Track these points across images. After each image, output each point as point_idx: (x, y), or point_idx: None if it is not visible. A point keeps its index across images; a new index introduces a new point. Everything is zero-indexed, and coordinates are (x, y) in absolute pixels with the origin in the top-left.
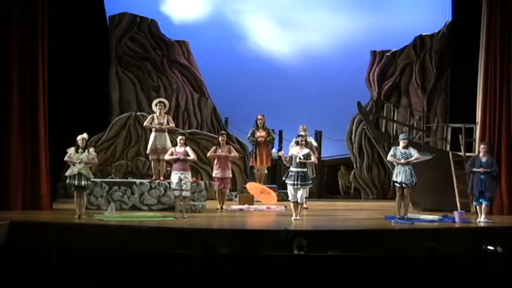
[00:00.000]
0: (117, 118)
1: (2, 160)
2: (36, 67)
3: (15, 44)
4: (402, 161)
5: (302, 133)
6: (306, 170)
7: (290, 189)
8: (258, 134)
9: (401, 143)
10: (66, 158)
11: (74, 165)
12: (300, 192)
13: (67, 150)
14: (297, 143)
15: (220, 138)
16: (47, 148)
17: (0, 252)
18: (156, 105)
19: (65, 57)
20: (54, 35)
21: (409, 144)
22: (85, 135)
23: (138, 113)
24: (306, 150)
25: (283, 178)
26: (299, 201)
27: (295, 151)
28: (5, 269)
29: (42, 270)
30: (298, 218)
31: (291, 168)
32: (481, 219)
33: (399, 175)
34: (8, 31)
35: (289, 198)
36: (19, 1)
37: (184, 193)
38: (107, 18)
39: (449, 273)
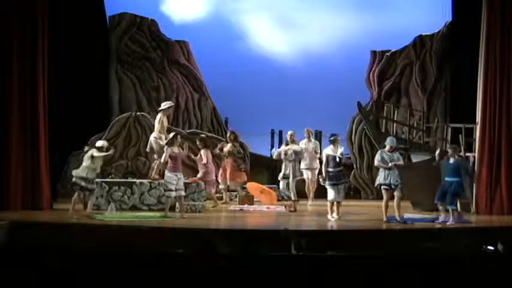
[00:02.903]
0: (117, 118)
1: (2, 160)
2: (36, 67)
3: (16, 43)
4: (390, 164)
5: (305, 135)
6: (342, 168)
7: (331, 190)
8: (224, 148)
9: (388, 147)
10: (99, 154)
11: (93, 162)
12: (341, 191)
13: (88, 148)
14: (331, 142)
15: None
16: (47, 148)
17: (0, 252)
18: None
19: (65, 57)
20: (54, 34)
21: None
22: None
23: (138, 113)
24: (341, 149)
25: (323, 182)
26: (341, 199)
27: (331, 151)
28: (5, 269)
29: (42, 270)
30: (338, 217)
31: (329, 169)
32: (442, 219)
33: (387, 178)
34: (8, 31)
35: (329, 199)
36: (19, 1)
37: (181, 192)
38: (107, 18)
39: (449, 273)
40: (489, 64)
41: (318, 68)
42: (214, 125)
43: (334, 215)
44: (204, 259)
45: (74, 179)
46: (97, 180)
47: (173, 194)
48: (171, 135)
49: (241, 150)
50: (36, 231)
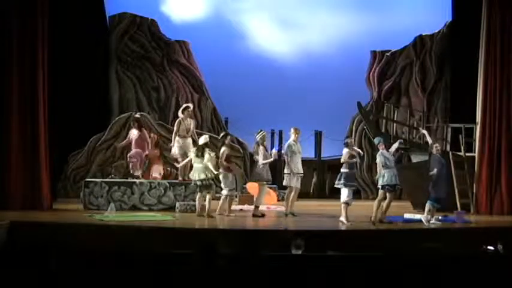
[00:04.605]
0: (117, 118)
1: (2, 160)
2: (36, 67)
3: (16, 43)
4: (393, 163)
5: (292, 135)
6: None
7: (349, 191)
8: None
9: (382, 147)
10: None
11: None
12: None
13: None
14: (346, 145)
15: None
16: (47, 148)
17: (0, 252)
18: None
19: (65, 57)
20: (55, 34)
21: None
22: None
23: (138, 113)
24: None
25: (344, 184)
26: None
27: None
28: (5, 269)
29: (42, 270)
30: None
31: (348, 170)
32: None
33: (393, 179)
34: (8, 31)
35: (345, 201)
36: (19, 1)
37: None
38: (107, 18)
39: (449, 273)
40: (489, 64)
41: (318, 68)
42: (214, 125)
43: (347, 219)
44: (204, 259)
45: (199, 183)
46: (97, 180)
47: (235, 193)
48: (221, 134)
49: None
50: (36, 231)
